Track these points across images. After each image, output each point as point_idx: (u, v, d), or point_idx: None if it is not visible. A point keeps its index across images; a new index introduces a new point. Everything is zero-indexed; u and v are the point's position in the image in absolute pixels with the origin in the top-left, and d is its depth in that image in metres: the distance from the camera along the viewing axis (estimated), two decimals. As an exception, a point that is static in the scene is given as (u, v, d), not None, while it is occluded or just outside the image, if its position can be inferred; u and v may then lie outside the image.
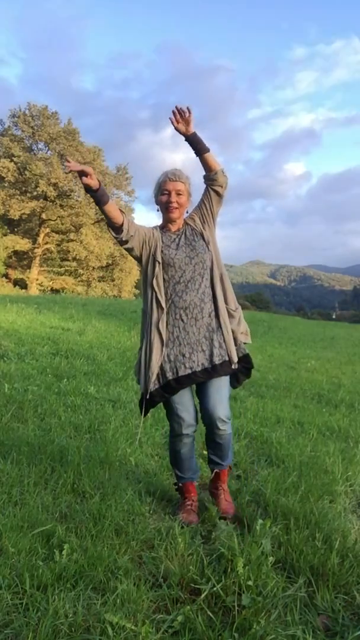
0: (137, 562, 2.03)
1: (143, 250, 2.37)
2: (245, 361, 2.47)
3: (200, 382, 2.34)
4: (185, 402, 2.35)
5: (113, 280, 41.49)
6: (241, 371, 2.46)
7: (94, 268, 39.33)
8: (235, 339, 2.40)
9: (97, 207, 2.27)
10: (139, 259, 2.39)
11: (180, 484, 2.51)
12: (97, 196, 2.15)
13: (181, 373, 2.30)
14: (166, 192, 2.32)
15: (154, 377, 2.32)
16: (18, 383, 4.84)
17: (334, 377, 7.45)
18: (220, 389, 2.34)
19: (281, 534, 2.24)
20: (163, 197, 2.34)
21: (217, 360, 2.31)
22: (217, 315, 2.35)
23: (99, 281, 40.90)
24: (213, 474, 2.52)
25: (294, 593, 1.87)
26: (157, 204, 2.40)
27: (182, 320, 2.32)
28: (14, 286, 37.59)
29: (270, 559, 1.99)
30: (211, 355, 2.31)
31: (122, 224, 2.26)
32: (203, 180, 2.37)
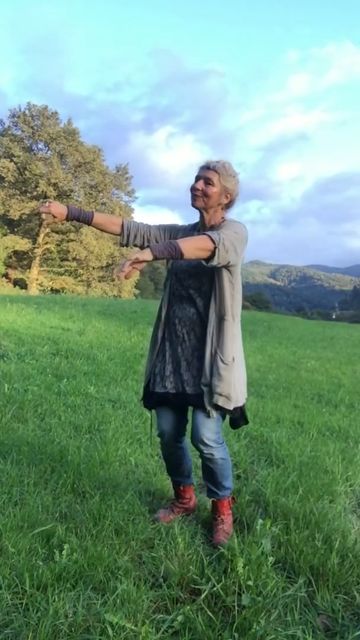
0: (137, 562, 2.03)
1: None
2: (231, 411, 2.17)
3: (173, 404, 2.25)
4: (166, 413, 2.28)
5: (113, 280, 41.48)
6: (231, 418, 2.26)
7: (94, 268, 39.33)
8: (211, 392, 2.10)
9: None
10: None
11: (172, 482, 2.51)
12: (76, 219, 2.11)
13: (157, 389, 2.25)
14: (196, 179, 2.13)
15: (144, 382, 2.34)
16: (18, 383, 4.83)
17: (334, 377, 7.45)
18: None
19: (281, 534, 2.24)
20: (193, 183, 2.14)
21: (190, 390, 2.18)
22: (212, 348, 2.13)
23: (99, 281, 40.89)
24: (211, 502, 2.39)
25: (294, 593, 1.87)
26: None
27: (171, 336, 2.25)
28: (14, 286, 37.58)
29: (270, 559, 1.99)
30: (186, 382, 2.19)
31: (119, 234, 2.21)
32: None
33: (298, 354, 10.18)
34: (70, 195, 38.22)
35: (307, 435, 4.03)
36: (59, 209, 2.05)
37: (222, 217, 2.22)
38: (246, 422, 2.31)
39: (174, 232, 2.27)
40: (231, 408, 2.15)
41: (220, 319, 2.13)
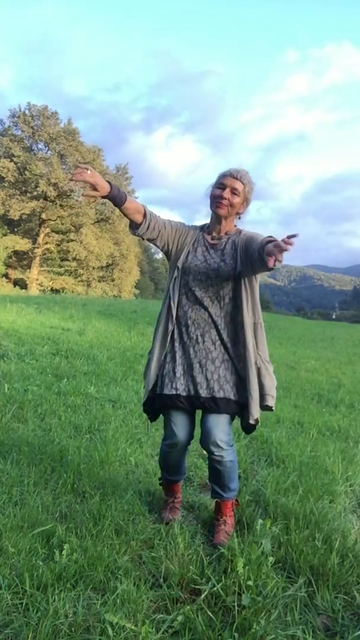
0: (137, 562, 2.03)
1: (170, 250, 2.23)
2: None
3: (183, 408, 2.20)
4: (181, 419, 2.22)
5: (113, 280, 41.51)
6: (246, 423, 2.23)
7: (94, 268, 39.34)
8: (262, 396, 2.18)
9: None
10: (166, 255, 2.28)
11: (163, 482, 2.50)
12: (112, 199, 1.98)
13: (165, 391, 2.19)
14: (221, 187, 2.14)
15: (149, 386, 2.25)
16: (18, 383, 4.83)
17: (334, 377, 7.45)
18: (220, 414, 2.17)
19: (281, 534, 2.24)
20: (217, 190, 2.14)
21: (204, 392, 2.15)
22: (228, 352, 2.18)
23: (99, 281, 40.90)
24: (214, 503, 2.37)
25: (294, 593, 1.87)
26: (210, 198, 2.20)
27: (183, 338, 2.20)
28: (14, 286, 37.59)
29: (270, 559, 2.00)
30: (199, 384, 2.16)
31: (140, 223, 2.11)
32: (254, 255, 1.99)
33: (298, 354, 10.19)
34: (70, 195, 38.22)
35: (307, 435, 4.03)
36: (102, 182, 1.88)
37: (235, 226, 2.26)
38: (258, 423, 2.29)
39: (184, 231, 2.26)
40: (274, 408, 2.26)
41: (255, 324, 2.19)
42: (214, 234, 2.23)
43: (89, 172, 1.83)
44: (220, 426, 2.15)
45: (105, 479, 2.76)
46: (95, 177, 1.85)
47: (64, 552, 1.95)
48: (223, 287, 2.15)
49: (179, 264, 2.20)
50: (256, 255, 1.97)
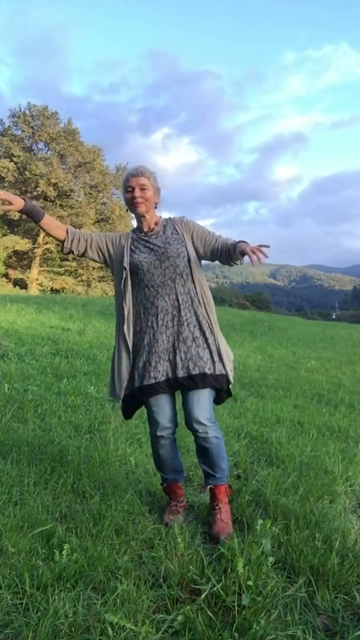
0: (137, 562, 2.03)
1: (107, 258, 2.38)
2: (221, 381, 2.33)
3: (164, 393, 2.30)
4: (161, 404, 2.31)
5: (113, 280, 41.52)
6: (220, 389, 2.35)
7: (93, 268, 39.34)
8: (217, 362, 2.30)
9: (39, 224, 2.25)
10: (107, 266, 2.42)
11: (164, 485, 2.52)
12: (28, 213, 2.18)
13: (145, 382, 2.27)
14: (130, 189, 2.28)
15: (124, 385, 2.33)
16: (18, 383, 4.83)
17: (334, 377, 7.45)
18: (199, 392, 2.26)
19: (281, 534, 2.24)
20: (128, 194, 2.29)
21: (181, 372, 2.24)
22: (200, 327, 2.29)
23: (99, 281, 40.90)
24: (208, 490, 2.43)
25: (294, 593, 1.87)
26: (126, 204, 2.36)
27: (153, 327, 2.28)
28: (14, 286, 37.58)
29: (270, 559, 1.99)
30: (175, 366, 2.25)
31: (64, 240, 2.30)
32: (222, 251, 2.24)
33: (298, 354, 10.18)
34: (70, 195, 38.23)
35: (307, 435, 4.03)
36: (15, 198, 2.11)
37: (159, 216, 2.40)
38: (230, 395, 2.43)
39: (116, 238, 2.40)
40: (231, 370, 2.35)
41: (205, 301, 2.34)
42: (145, 231, 2.35)
43: (0, 192, 2.08)
44: (201, 404, 2.25)
45: (105, 479, 2.76)
46: (8, 195, 2.09)
47: (64, 552, 1.95)
48: (178, 264, 2.27)
49: (125, 264, 2.30)
50: (224, 252, 2.22)
